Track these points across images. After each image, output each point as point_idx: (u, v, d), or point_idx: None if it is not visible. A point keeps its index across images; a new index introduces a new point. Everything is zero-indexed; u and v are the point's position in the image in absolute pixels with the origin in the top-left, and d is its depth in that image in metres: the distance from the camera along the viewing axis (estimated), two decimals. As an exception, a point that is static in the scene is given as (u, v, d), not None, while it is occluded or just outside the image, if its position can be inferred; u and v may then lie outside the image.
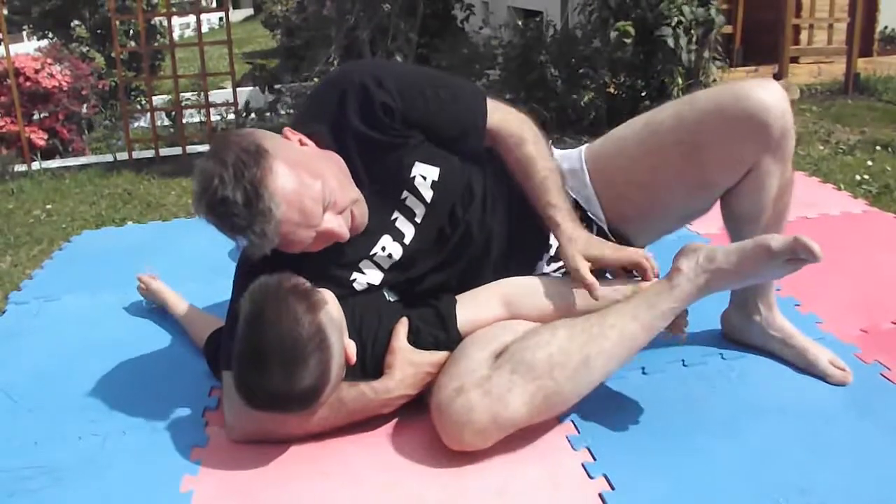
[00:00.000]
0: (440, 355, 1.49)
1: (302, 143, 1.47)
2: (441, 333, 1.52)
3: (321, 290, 1.42)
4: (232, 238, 1.38)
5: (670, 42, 3.96)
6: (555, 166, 1.59)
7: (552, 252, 1.66)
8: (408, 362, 1.47)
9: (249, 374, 1.34)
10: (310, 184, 1.37)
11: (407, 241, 1.56)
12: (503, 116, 1.59)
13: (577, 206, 1.64)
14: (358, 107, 1.48)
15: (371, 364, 1.49)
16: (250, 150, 1.35)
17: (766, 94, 1.47)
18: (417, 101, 1.50)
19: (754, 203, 1.56)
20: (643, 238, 1.69)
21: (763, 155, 1.50)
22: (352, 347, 1.45)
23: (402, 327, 1.51)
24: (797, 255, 1.38)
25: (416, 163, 1.53)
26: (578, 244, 1.51)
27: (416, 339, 1.50)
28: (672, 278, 1.47)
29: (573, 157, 1.69)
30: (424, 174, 1.53)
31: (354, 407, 1.46)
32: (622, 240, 1.63)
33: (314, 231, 1.39)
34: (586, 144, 1.71)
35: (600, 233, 1.64)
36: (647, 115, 1.63)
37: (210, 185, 1.32)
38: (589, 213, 1.65)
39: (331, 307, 1.40)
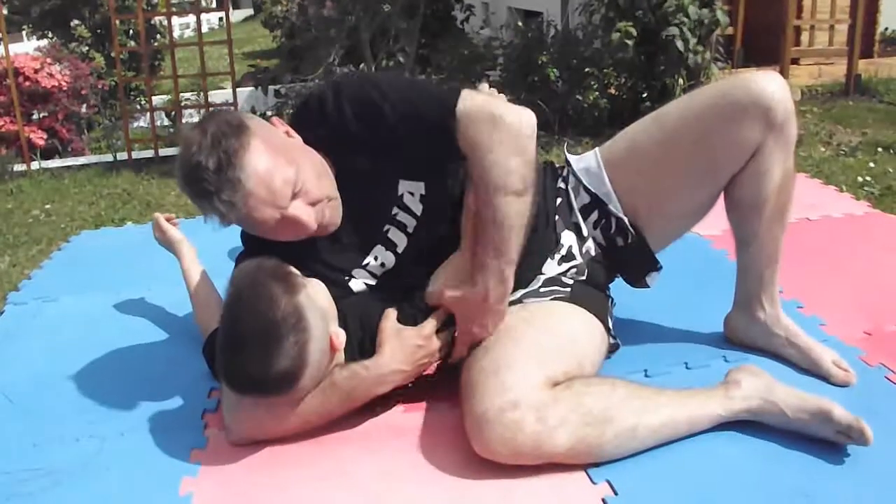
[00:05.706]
0: (427, 327, 1.51)
1: (288, 135, 1.49)
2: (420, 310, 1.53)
3: (309, 278, 1.44)
4: (199, 207, 1.40)
5: (679, 44, 3.94)
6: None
7: (563, 252, 1.65)
8: (395, 336, 1.48)
9: (228, 356, 1.36)
10: (284, 166, 1.39)
11: (400, 249, 1.58)
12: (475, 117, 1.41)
13: (597, 202, 1.66)
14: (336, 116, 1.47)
15: (371, 353, 1.50)
16: (232, 124, 1.39)
17: (769, 81, 1.54)
18: (379, 125, 1.44)
19: (757, 189, 1.59)
20: (655, 239, 1.69)
21: (767, 137, 1.54)
22: (340, 336, 1.45)
23: (393, 311, 1.52)
24: (849, 434, 1.37)
25: (401, 181, 1.54)
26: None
27: (402, 318, 1.52)
28: (729, 389, 1.47)
29: (589, 157, 1.71)
30: (412, 190, 1.54)
31: (348, 388, 1.46)
32: (639, 237, 1.65)
33: (279, 213, 1.40)
34: (600, 146, 1.74)
35: (620, 226, 1.65)
36: (654, 113, 1.69)
37: (188, 151, 1.36)
38: (609, 208, 1.66)
39: (314, 291, 1.42)
